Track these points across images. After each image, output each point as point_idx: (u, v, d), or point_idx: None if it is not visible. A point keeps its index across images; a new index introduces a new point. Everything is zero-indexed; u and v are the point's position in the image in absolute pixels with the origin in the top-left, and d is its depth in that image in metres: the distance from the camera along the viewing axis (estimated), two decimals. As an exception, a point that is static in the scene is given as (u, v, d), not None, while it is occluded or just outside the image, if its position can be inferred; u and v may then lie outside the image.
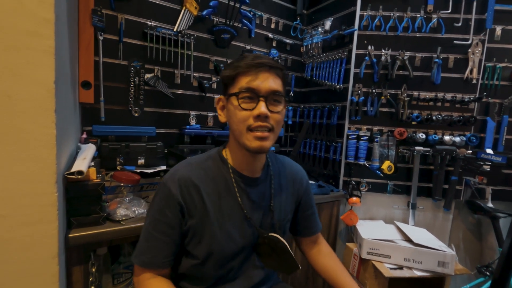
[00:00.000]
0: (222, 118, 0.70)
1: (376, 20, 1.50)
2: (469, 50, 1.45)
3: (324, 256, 0.86)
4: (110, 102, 1.26)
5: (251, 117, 0.61)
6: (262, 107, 0.60)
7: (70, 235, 0.78)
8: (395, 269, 1.22)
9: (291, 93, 1.90)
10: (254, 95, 0.61)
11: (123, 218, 0.91)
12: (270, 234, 0.70)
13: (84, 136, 1.13)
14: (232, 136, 0.69)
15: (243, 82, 0.62)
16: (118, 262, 1.00)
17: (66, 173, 0.74)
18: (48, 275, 0.63)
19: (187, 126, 1.42)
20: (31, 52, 0.57)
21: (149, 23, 1.31)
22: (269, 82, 0.62)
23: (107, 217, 0.90)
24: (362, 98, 1.52)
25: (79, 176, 0.75)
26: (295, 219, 0.85)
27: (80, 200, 0.82)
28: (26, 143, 0.58)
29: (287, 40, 1.82)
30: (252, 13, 1.64)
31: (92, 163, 0.90)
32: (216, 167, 0.70)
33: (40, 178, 0.60)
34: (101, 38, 1.19)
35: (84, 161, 0.82)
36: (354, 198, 1.49)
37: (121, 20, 1.25)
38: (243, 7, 1.55)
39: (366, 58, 1.51)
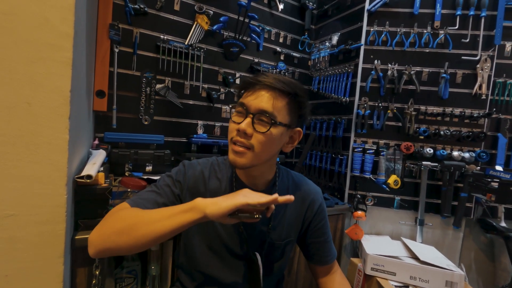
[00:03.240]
0: None
1: (382, 36, 1.52)
2: (478, 65, 1.44)
3: (338, 285, 0.80)
4: (122, 110, 1.32)
5: (235, 130, 0.62)
6: (243, 124, 0.61)
7: (76, 237, 0.80)
8: (400, 287, 1.18)
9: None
10: (244, 110, 0.62)
11: (128, 223, 0.94)
12: (253, 252, 0.70)
13: (96, 142, 1.18)
14: None
15: (243, 96, 0.66)
16: (121, 267, 1.01)
17: (76, 176, 0.78)
18: (53, 274, 0.66)
19: (195, 135, 1.46)
20: (51, 62, 0.62)
21: (162, 36, 1.39)
22: (262, 101, 0.61)
23: (112, 221, 0.92)
24: (368, 111, 1.53)
25: (88, 180, 0.78)
26: (305, 244, 0.80)
27: (87, 203, 0.85)
28: (40, 146, 0.62)
29: (295, 54, 1.87)
30: (260, 28, 1.70)
31: (102, 168, 0.94)
32: (225, 169, 0.74)
33: (51, 180, 0.64)
34: (116, 50, 1.26)
35: (94, 166, 0.86)
36: (359, 212, 1.47)
37: (136, 34, 1.32)
38: (252, 22, 1.61)
39: (372, 72, 1.53)
